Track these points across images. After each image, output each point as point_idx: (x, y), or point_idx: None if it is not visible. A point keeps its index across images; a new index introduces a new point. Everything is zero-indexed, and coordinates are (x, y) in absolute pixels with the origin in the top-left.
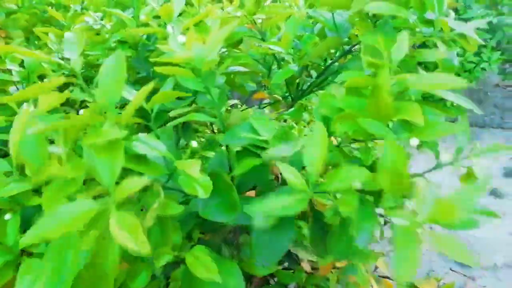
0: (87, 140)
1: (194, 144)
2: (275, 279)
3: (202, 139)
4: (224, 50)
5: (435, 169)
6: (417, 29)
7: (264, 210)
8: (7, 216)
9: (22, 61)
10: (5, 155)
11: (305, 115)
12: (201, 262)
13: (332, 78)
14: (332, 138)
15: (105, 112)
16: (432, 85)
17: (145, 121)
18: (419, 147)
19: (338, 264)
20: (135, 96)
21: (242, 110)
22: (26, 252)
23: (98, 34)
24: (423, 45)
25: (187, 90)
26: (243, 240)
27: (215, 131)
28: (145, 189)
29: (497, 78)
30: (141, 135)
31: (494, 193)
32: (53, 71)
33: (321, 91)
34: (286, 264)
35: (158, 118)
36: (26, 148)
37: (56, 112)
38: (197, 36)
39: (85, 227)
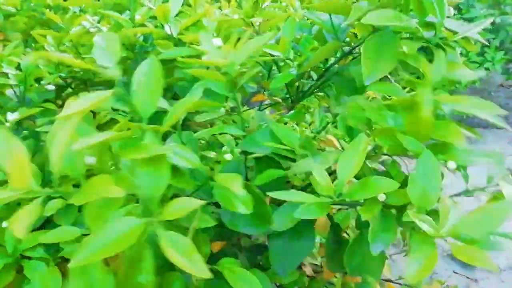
0: (128, 154)
1: (228, 157)
2: (277, 283)
3: (202, 141)
4: None
5: (464, 195)
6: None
7: (287, 215)
8: (4, 224)
9: (19, 64)
10: None
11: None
12: (239, 276)
13: (333, 80)
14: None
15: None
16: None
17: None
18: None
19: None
20: (175, 108)
21: (243, 111)
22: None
23: None
24: (422, 48)
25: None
26: (244, 243)
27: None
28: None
29: (500, 78)
30: (174, 146)
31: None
32: (50, 73)
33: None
34: None
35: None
36: (66, 160)
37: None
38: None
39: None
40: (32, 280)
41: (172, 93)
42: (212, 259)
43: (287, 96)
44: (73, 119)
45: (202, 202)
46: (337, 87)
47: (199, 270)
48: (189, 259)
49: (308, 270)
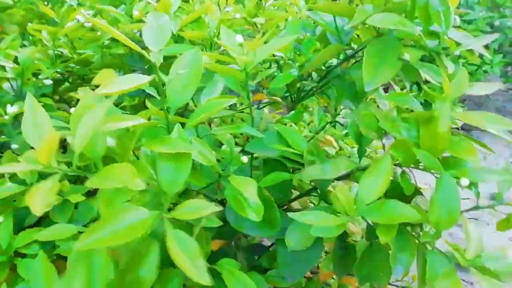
0: (154, 146)
1: (244, 159)
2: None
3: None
4: (223, 49)
5: (474, 210)
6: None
7: (301, 231)
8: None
9: (16, 58)
10: None
11: (306, 116)
12: (237, 277)
13: (334, 83)
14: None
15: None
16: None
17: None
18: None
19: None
20: (206, 107)
21: (242, 109)
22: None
23: (93, 30)
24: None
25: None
26: (242, 243)
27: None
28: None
29: (499, 81)
30: (195, 141)
31: (494, 198)
32: (48, 67)
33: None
34: None
35: None
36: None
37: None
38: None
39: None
40: (25, 278)
41: None
42: (211, 258)
43: (287, 95)
44: (107, 101)
45: (217, 208)
46: (338, 90)
47: (202, 277)
48: (193, 264)
49: None
